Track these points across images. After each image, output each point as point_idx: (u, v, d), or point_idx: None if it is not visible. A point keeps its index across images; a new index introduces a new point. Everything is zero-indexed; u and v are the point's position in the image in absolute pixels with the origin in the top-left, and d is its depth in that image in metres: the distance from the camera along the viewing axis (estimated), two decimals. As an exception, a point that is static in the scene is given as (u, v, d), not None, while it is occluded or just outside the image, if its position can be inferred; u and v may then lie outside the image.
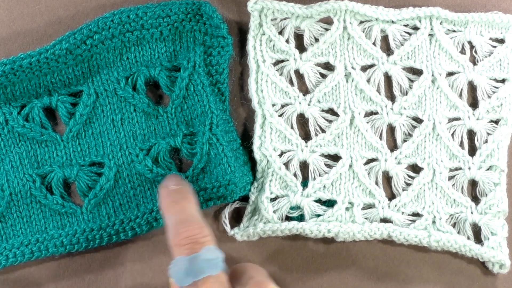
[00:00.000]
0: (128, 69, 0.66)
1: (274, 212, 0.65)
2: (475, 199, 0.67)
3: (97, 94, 0.66)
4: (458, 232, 0.66)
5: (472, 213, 0.66)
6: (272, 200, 0.66)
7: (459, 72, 0.67)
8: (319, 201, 0.66)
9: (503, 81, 0.67)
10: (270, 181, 0.66)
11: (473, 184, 0.67)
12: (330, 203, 0.66)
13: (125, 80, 0.66)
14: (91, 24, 0.64)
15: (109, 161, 0.65)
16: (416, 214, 0.66)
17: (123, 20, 0.64)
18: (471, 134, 0.67)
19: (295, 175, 0.66)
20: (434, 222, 0.65)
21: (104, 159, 0.66)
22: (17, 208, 0.65)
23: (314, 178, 0.66)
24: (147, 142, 0.66)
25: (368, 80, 0.67)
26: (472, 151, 0.67)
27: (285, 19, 0.67)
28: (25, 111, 0.65)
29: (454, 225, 0.66)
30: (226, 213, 0.66)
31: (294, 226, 0.65)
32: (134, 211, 0.65)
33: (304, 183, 0.66)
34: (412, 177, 0.66)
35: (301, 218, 0.66)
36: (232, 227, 0.66)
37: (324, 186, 0.66)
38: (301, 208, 0.66)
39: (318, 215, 0.66)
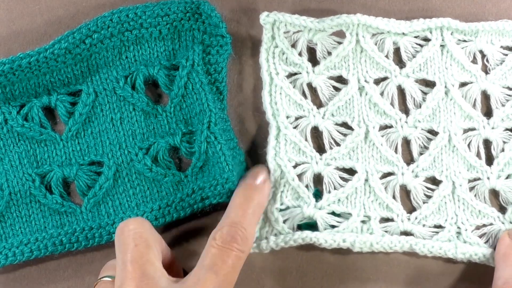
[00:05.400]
0: (127, 68, 0.66)
1: (284, 222, 0.64)
2: (502, 209, 0.66)
3: (96, 93, 0.66)
4: (490, 244, 0.65)
5: (503, 223, 0.65)
6: (283, 210, 0.65)
7: (471, 82, 0.66)
8: (332, 212, 0.65)
9: None
10: (281, 191, 0.65)
11: (495, 193, 0.66)
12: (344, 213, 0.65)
13: (124, 79, 0.66)
14: (90, 23, 0.64)
15: (109, 160, 0.65)
16: (438, 226, 0.65)
17: (122, 19, 0.64)
18: (487, 143, 0.66)
19: (307, 187, 0.65)
20: (459, 233, 0.64)
21: (103, 158, 0.66)
22: (16, 207, 0.65)
23: (329, 191, 0.65)
24: (146, 141, 0.66)
25: (382, 94, 0.66)
26: (490, 160, 0.66)
27: (297, 32, 0.66)
28: (24, 110, 0.66)
29: (483, 236, 0.65)
30: None
31: (307, 236, 0.64)
32: (133, 210, 0.65)
33: (316, 192, 0.65)
34: (432, 190, 0.65)
35: (311, 224, 0.65)
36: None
37: (339, 200, 0.65)
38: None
39: (333, 226, 0.65)
